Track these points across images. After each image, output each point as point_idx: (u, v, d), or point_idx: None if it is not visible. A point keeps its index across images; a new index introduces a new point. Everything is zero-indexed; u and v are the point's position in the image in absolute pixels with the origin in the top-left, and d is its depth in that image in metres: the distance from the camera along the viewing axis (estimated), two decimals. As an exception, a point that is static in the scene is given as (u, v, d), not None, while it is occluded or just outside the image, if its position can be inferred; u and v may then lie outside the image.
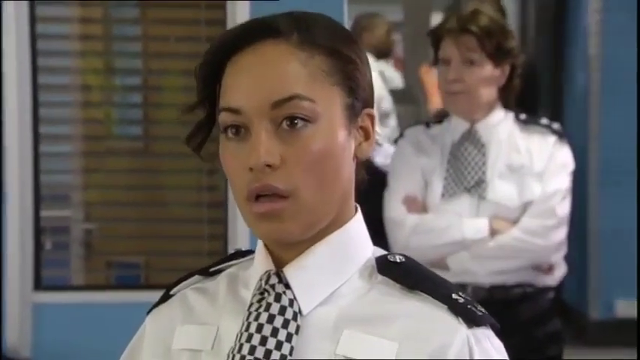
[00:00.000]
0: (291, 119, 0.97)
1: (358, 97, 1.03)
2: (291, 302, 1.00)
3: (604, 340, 4.79)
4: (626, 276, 4.75)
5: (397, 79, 5.59)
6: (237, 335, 1.00)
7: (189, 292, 1.09)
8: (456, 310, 1.01)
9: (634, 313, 4.79)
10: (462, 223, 2.30)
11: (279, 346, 0.98)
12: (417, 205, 2.34)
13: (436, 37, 2.35)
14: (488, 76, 2.31)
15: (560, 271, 2.39)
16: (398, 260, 1.04)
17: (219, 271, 1.10)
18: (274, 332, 0.99)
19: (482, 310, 1.04)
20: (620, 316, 4.88)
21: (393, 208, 2.35)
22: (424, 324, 1.00)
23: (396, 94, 5.48)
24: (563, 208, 2.34)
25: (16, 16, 3.09)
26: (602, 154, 4.85)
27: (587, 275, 4.90)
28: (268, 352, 0.98)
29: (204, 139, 1.04)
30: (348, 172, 1.02)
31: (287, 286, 1.01)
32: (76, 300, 3.14)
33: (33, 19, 3.14)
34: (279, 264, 1.03)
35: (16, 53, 3.09)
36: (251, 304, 1.01)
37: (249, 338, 0.99)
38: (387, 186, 2.40)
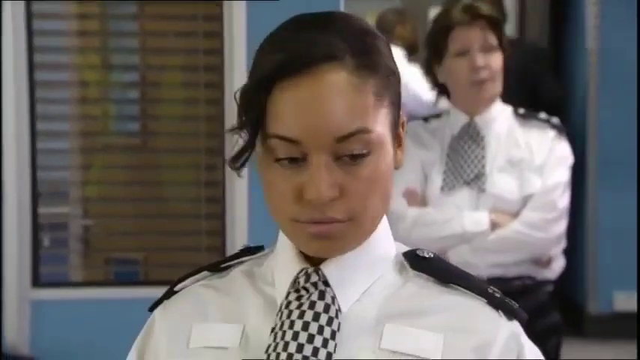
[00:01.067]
0: (354, 155, 0.97)
1: (399, 109, 1.03)
2: (333, 300, 1.00)
3: (602, 333, 4.80)
4: (624, 269, 4.76)
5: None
6: (275, 333, 0.99)
7: (199, 289, 1.08)
8: (495, 303, 1.04)
9: (633, 306, 4.80)
10: (463, 216, 2.30)
11: (325, 343, 0.98)
12: (416, 198, 2.35)
13: (445, 31, 2.32)
14: (500, 64, 2.32)
15: (559, 264, 2.40)
16: (427, 255, 1.06)
17: (228, 268, 1.10)
18: (320, 330, 0.99)
19: (516, 304, 1.06)
20: (618, 309, 4.89)
21: (394, 201, 2.35)
22: (466, 317, 1.01)
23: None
24: (563, 201, 2.34)
25: (13, 12, 3.08)
26: (601, 148, 4.85)
27: (585, 268, 4.91)
28: (316, 350, 0.98)
29: (245, 160, 1.01)
30: (392, 182, 1.03)
31: (326, 283, 1.01)
32: (75, 296, 3.14)
33: (30, 16, 3.13)
34: (311, 262, 1.03)
35: (12, 50, 3.08)
36: (289, 302, 1.01)
37: (296, 336, 0.98)
38: None
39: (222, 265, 1.10)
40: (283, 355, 0.97)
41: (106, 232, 3.29)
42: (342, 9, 3.08)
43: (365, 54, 0.97)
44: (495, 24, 2.30)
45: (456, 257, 2.31)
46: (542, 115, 2.43)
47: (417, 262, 1.05)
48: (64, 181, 3.34)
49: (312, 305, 1.00)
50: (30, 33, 3.13)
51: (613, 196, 4.78)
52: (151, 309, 1.11)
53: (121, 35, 3.40)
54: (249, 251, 1.10)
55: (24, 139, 3.13)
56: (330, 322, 0.99)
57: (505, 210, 2.31)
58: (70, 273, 3.32)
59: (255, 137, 0.98)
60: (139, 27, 3.35)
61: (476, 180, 2.32)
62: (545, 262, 2.36)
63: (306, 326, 0.98)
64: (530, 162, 2.33)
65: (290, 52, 0.96)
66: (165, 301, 1.09)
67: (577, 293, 5.01)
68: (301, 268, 1.02)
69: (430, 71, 2.38)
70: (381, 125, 0.98)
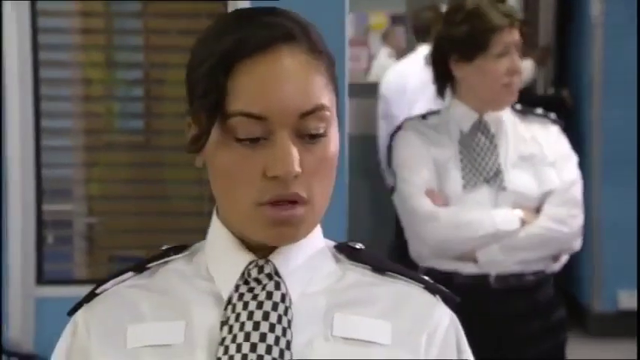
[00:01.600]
0: (312, 134, 0.99)
1: (337, 94, 1.06)
2: (286, 290, 1.03)
3: (606, 331, 4.79)
4: (628, 267, 4.75)
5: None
6: (229, 326, 1.00)
7: (125, 290, 1.07)
8: (432, 289, 1.08)
9: (635, 304, 4.80)
10: (493, 215, 2.31)
11: (284, 332, 1.00)
12: (439, 197, 2.34)
13: (488, 32, 2.34)
14: None
15: (564, 258, 2.43)
16: (358, 247, 1.10)
17: (153, 268, 1.09)
18: (279, 319, 1.01)
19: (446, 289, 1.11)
20: (622, 308, 4.88)
21: (422, 202, 2.33)
22: (409, 303, 1.06)
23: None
24: (580, 195, 2.38)
25: (18, 9, 3.08)
26: (606, 146, 4.85)
27: (589, 267, 4.90)
28: (277, 339, 1.00)
29: (204, 144, 1.01)
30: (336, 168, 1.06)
31: (278, 275, 1.03)
32: (79, 294, 3.12)
33: (34, 13, 3.13)
34: (254, 254, 1.04)
35: (17, 47, 3.08)
36: (241, 295, 1.02)
37: (257, 326, 1.00)
38: (400, 178, 2.37)
39: (148, 265, 1.09)
40: (246, 346, 0.99)
41: (109, 229, 3.29)
42: (346, 8, 3.08)
43: (313, 38, 1.02)
44: (525, 29, 2.36)
45: (485, 256, 2.31)
46: (539, 110, 2.46)
47: (352, 253, 1.09)
48: (68, 178, 3.34)
49: (269, 295, 1.01)
50: (34, 30, 3.13)
51: (617, 194, 4.78)
52: (70, 313, 1.09)
53: (124, 33, 3.40)
54: (171, 251, 1.10)
55: (28, 136, 3.13)
56: (286, 311, 1.01)
57: (525, 206, 2.33)
58: (74, 270, 3.32)
59: (216, 118, 0.98)
60: (142, 25, 3.35)
61: (495, 177, 2.33)
62: (557, 257, 2.39)
63: (266, 316, 1.00)
64: (543, 157, 2.36)
65: (250, 32, 0.98)
66: (86, 305, 1.08)
67: (580, 292, 5.00)
68: (249, 260, 1.03)
69: (445, 66, 2.38)
70: (332, 108, 1.02)
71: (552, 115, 2.44)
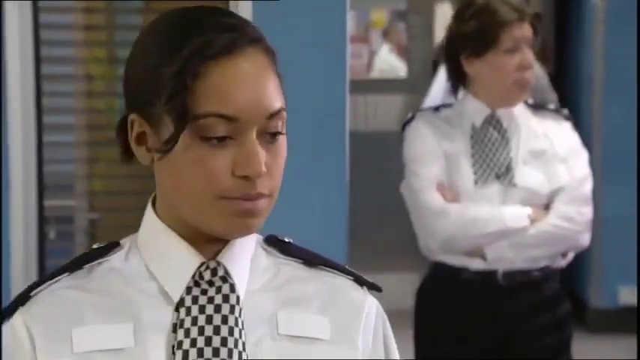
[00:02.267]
0: (273, 132, 1.01)
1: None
2: (238, 292, 1.04)
3: (606, 327, 4.79)
4: (628, 263, 4.75)
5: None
6: (185, 329, 0.99)
7: (64, 292, 1.03)
8: (360, 281, 1.11)
9: (635, 300, 4.79)
10: (503, 212, 2.30)
11: (240, 334, 1.01)
12: (449, 192, 2.33)
13: (498, 27, 2.33)
14: None
15: (571, 253, 2.43)
16: (287, 240, 1.12)
17: (88, 267, 1.05)
18: (236, 322, 1.01)
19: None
20: (622, 304, 4.88)
21: (433, 197, 2.31)
22: (342, 296, 1.09)
23: (399, 84, 5.47)
24: (590, 192, 2.38)
25: (19, 5, 3.08)
26: (606, 143, 4.85)
27: (590, 263, 4.90)
28: (236, 341, 1.01)
29: (174, 144, 1.00)
30: None
31: (230, 277, 1.03)
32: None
33: (36, 9, 3.13)
34: (203, 254, 1.04)
35: (19, 43, 3.08)
36: (195, 297, 1.01)
37: (217, 330, 1.00)
38: (411, 171, 2.36)
39: (85, 266, 1.05)
40: (208, 351, 0.99)
41: (111, 225, 3.29)
42: (347, 5, 3.07)
43: (264, 38, 1.04)
44: (537, 24, 2.33)
45: (494, 253, 2.31)
46: (552, 105, 2.45)
47: (282, 247, 1.10)
48: (70, 174, 3.34)
49: (226, 299, 1.02)
50: (36, 26, 3.13)
51: (617, 191, 4.78)
52: (2, 317, 1.03)
53: (126, 29, 3.40)
54: (104, 249, 1.07)
55: (30, 132, 3.13)
56: (240, 313, 1.02)
57: (534, 203, 2.32)
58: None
59: (187, 121, 0.98)
60: (144, 21, 3.35)
61: (506, 173, 2.32)
62: (565, 253, 2.40)
63: (225, 320, 1.00)
64: (554, 154, 2.34)
65: (214, 34, 0.99)
66: (21, 307, 1.02)
67: (581, 288, 5.00)
68: (199, 261, 1.03)
69: (457, 63, 2.36)
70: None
71: (565, 111, 2.43)
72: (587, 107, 4.98)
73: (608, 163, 4.81)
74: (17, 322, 1.01)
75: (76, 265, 1.05)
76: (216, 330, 1.00)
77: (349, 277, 1.10)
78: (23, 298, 1.03)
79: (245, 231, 1.02)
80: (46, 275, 1.05)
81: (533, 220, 2.31)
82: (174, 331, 1.00)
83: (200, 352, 0.99)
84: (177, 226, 1.04)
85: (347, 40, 3.09)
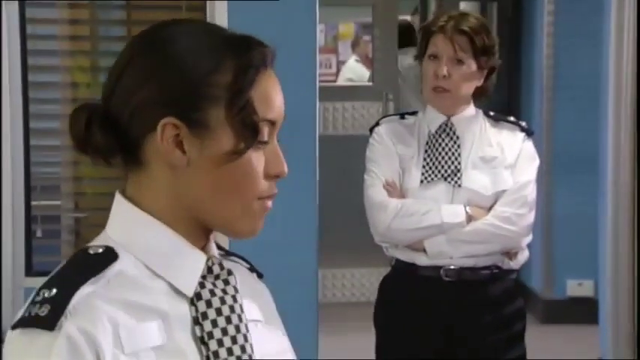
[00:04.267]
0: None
1: None
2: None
3: (555, 318, 4.83)
4: (576, 258, 4.80)
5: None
6: (211, 320, 1.00)
7: (95, 299, 0.97)
8: (253, 269, 1.15)
9: (583, 293, 4.84)
10: (441, 208, 2.32)
11: (247, 322, 1.04)
12: (396, 190, 2.37)
13: (428, 33, 2.36)
14: (471, 74, 2.34)
15: (524, 255, 2.42)
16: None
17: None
18: (241, 308, 1.04)
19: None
20: (570, 295, 4.93)
21: (377, 192, 2.37)
22: (251, 282, 1.13)
23: (365, 91, 5.48)
24: (533, 197, 2.38)
25: (8, 18, 3.06)
26: (555, 143, 4.89)
27: (540, 258, 4.94)
28: (246, 326, 1.04)
29: (245, 151, 1.01)
30: None
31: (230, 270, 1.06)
32: (66, 284, 3.12)
33: (23, 21, 3.10)
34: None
35: (8, 53, 3.05)
36: (211, 290, 1.01)
37: (240, 318, 1.02)
38: (368, 170, 2.41)
39: (99, 274, 0.99)
40: (240, 337, 1.01)
41: (95, 224, 3.27)
42: (317, 19, 3.08)
43: None
44: (477, 37, 2.31)
45: (433, 247, 2.33)
46: (511, 118, 2.48)
47: (227, 251, 1.13)
48: (56, 176, 3.32)
49: (236, 290, 1.04)
50: (23, 37, 3.10)
51: (566, 190, 4.82)
52: (46, 327, 0.94)
53: (109, 40, 3.38)
54: (107, 255, 1.01)
55: (18, 136, 3.10)
56: (241, 300, 1.05)
57: (479, 204, 2.34)
58: (62, 262, 3.29)
59: (259, 129, 1.00)
60: (126, 32, 3.33)
61: (452, 175, 2.34)
62: (513, 255, 2.39)
63: (241, 308, 1.03)
64: (502, 160, 2.37)
65: (263, 47, 1.03)
66: (69, 317, 0.95)
67: (534, 281, 5.04)
68: (204, 257, 1.03)
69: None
70: None
71: (523, 123, 2.46)
72: (537, 109, 5.02)
73: (558, 163, 4.86)
74: (72, 331, 0.94)
75: (95, 271, 0.99)
76: (239, 318, 1.02)
77: (246, 265, 1.13)
78: (61, 306, 0.95)
79: (258, 231, 1.05)
80: (62, 284, 0.98)
81: (472, 218, 2.31)
82: (197, 323, 0.99)
83: (233, 340, 1.00)
84: (174, 224, 1.02)
85: (317, 51, 3.10)
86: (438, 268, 2.35)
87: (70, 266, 1.02)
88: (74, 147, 1.04)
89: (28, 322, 0.96)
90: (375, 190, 2.37)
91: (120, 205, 1.05)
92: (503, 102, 5.19)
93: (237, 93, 0.99)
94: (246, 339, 1.01)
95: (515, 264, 2.41)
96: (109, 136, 1.01)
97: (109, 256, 1.01)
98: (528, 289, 4.99)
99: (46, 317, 0.94)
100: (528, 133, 2.44)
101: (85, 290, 0.96)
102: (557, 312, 4.87)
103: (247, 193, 1.01)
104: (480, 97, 2.42)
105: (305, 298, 2.99)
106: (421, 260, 2.36)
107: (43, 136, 3.24)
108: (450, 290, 2.35)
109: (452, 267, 2.34)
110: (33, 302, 0.97)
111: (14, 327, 0.98)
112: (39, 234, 3.20)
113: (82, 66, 3.30)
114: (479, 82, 2.37)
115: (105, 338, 0.94)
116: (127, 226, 1.04)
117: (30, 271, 3.12)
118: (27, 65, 3.12)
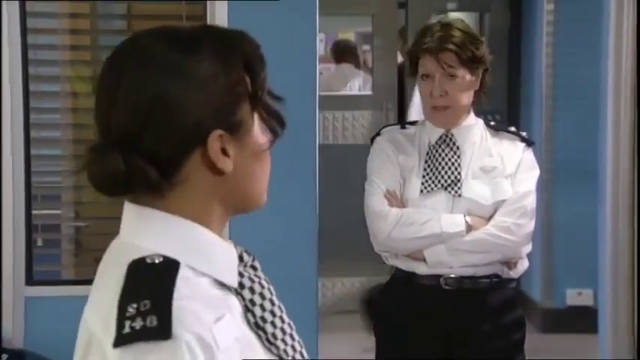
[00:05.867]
0: None
1: None
2: None
3: (555, 327, 4.82)
4: (575, 268, 4.79)
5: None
6: (259, 304, 1.06)
7: (182, 301, 0.95)
8: None
9: (582, 302, 4.83)
10: (441, 217, 2.32)
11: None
12: (397, 199, 2.36)
13: (415, 55, 2.37)
14: (466, 84, 2.35)
15: (524, 265, 2.42)
16: None
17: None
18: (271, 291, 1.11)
19: None
20: (569, 305, 4.92)
21: (377, 201, 2.37)
22: None
23: (364, 100, 5.49)
24: (532, 207, 2.37)
25: (9, 27, 3.06)
26: (556, 152, 4.89)
27: (540, 267, 4.94)
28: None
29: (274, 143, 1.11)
30: None
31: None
32: (66, 293, 3.10)
33: (24, 30, 3.11)
34: None
35: (8, 63, 3.05)
36: (250, 278, 1.07)
37: (279, 299, 1.09)
38: (369, 180, 2.41)
39: (176, 279, 0.97)
40: (285, 317, 1.09)
41: (95, 233, 3.26)
42: (317, 28, 3.09)
43: None
44: (463, 50, 2.32)
45: (433, 256, 2.32)
46: (512, 128, 2.49)
47: None
48: (57, 185, 3.31)
49: (263, 273, 1.10)
50: (24, 46, 3.11)
51: (566, 199, 4.82)
52: (158, 337, 0.92)
53: (109, 50, 3.37)
54: (172, 265, 0.99)
55: (19, 146, 3.10)
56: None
57: (479, 214, 2.34)
58: (62, 271, 3.29)
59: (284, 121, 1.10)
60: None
61: (452, 185, 2.34)
62: (512, 264, 2.38)
63: (271, 291, 1.09)
64: (502, 170, 2.37)
65: (252, 39, 1.09)
66: (180, 325, 0.93)
67: (532, 290, 5.03)
68: (233, 248, 1.07)
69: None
70: None
71: (524, 134, 2.46)
72: (537, 118, 5.02)
73: (557, 173, 4.86)
74: (187, 337, 0.93)
75: (171, 277, 0.97)
76: (274, 300, 1.08)
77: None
78: (167, 317, 0.92)
79: None
80: (151, 294, 0.95)
81: (472, 228, 2.31)
82: (248, 310, 1.05)
83: (282, 320, 1.08)
84: (209, 223, 1.05)
85: (317, 60, 3.11)
86: (437, 276, 2.34)
87: (141, 277, 0.98)
88: (106, 191, 1.10)
89: (140, 335, 0.91)
90: (375, 200, 2.37)
91: (152, 218, 1.05)
92: (503, 111, 5.20)
93: (255, 83, 1.05)
94: (289, 317, 1.08)
95: (514, 273, 2.40)
96: (152, 169, 1.02)
97: (171, 262, 0.99)
98: (528, 299, 4.98)
99: (158, 328, 0.91)
100: (529, 143, 2.44)
101: (177, 296, 0.95)
102: (556, 321, 4.86)
103: (258, 188, 1.09)
104: (478, 95, 2.42)
105: (305, 305, 2.99)
106: (421, 269, 2.35)
107: (44, 146, 3.24)
108: (450, 299, 2.34)
109: (452, 276, 2.34)
110: (127, 318, 0.93)
111: (118, 344, 0.92)
112: (39, 243, 3.20)
113: (82, 75, 3.30)
114: (476, 87, 2.38)
115: (210, 339, 0.95)
116: (165, 232, 1.03)
117: (30, 279, 3.11)
118: (28, 75, 3.12)
